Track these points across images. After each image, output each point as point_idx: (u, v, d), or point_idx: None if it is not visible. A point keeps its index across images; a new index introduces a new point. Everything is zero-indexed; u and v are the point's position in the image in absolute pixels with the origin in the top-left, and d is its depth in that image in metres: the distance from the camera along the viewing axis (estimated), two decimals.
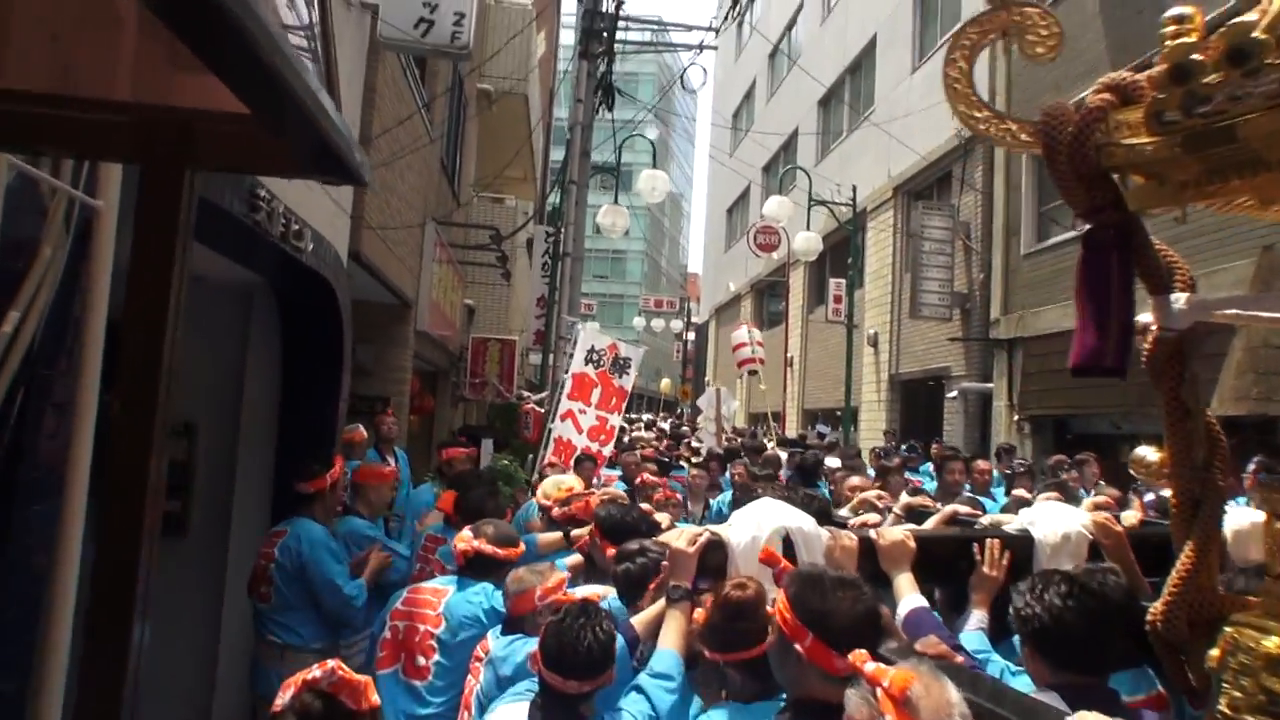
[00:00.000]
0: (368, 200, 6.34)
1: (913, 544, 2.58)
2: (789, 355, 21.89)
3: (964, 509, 3.91)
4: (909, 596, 2.48)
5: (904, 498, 4.93)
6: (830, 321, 17.52)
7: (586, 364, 9.34)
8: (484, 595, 3.24)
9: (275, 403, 5.15)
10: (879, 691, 1.46)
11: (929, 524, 3.61)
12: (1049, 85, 10.30)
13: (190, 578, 5.00)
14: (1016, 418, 11.42)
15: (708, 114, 42.34)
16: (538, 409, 12.37)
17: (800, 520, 2.54)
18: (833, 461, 10.75)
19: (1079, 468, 8.61)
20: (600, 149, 14.08)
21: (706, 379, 36.98)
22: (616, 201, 15.15)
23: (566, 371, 9.37)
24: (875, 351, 16.94)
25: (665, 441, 13.72)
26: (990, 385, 12.39)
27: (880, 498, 4.77)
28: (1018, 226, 11.77)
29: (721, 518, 6.15)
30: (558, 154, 18.42)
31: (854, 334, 16.78)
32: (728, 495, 7.87)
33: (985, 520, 3.32)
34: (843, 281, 17.12)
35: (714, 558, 2.51)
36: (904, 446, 12.72)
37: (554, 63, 20.53)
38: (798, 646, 1.85)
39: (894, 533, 2.63)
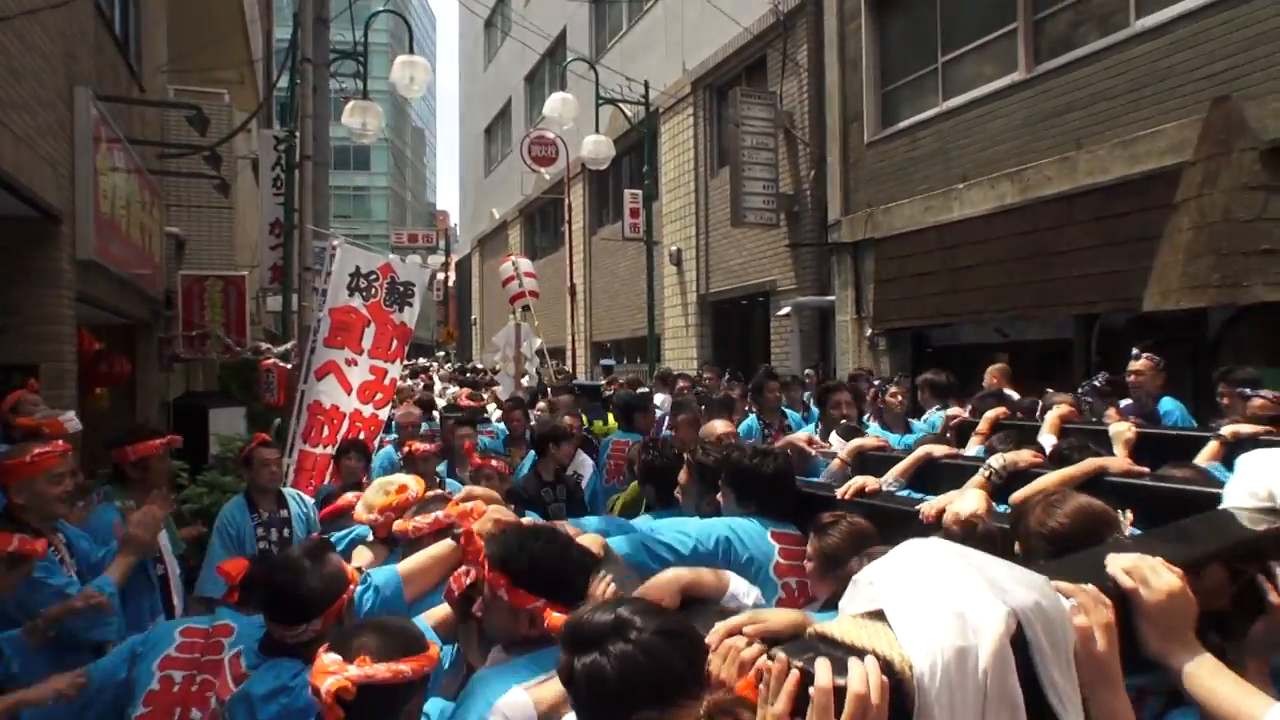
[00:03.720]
0: None
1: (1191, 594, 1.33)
2: (572, 283, 19.66)
3: (939, 449, 3.22)
4: (1247, 699, 1.25)
5: (836, 440, 3.99)
6: (628, 239, 15.44)
7: (351, 294, 6.58)
8: None
9: None
10: None
11: (892, 474, 3.10)
12: None
13: None
14: (870, 332, 9.92)
15: (453, 25, 38.58)
16: (281, 364, 9.34)
17: (1029, 588, 1.16)
18: (658, 398, 8.79)
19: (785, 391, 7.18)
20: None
21: (473, 317, 34.09)
22: (365, 95, 12.13)
23: (321, 308, 6.56)
24: (679, 271, 15.10)
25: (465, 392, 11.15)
26: (830, 298, 10.84)
27: (811, 441, 3.92)
28: (858, 111, 10.12)
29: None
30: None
31: (653, 251, 14.83)
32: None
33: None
34: (638, 193, 15.02)
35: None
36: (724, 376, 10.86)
37: None
38: None
39: (1164, 577, 1.32)
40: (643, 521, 2.91)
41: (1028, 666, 1.11)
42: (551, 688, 1.72)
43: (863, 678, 1.03)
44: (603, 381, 10.74)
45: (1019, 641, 1.10)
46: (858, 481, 2.88)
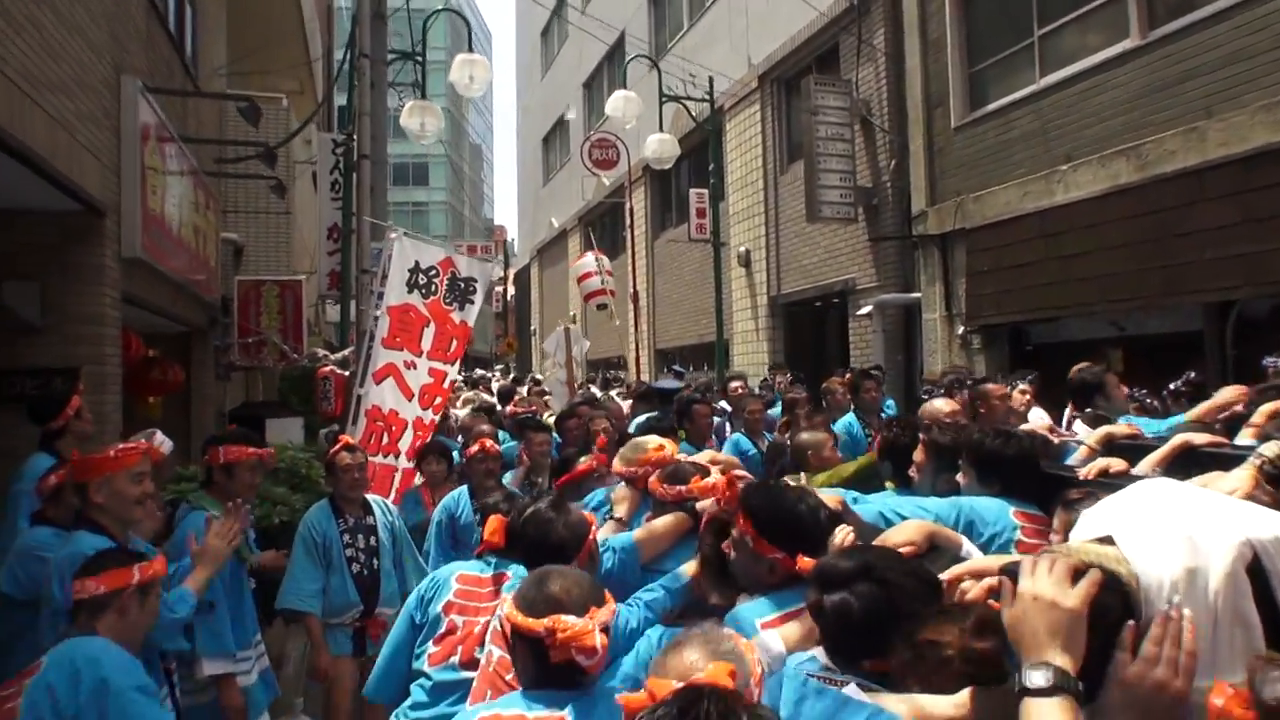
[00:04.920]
0: None
1: None
2: (635, 289, 19.15)
3: (1200, 438, 2.93)
4: None
5: (1081, 428, 3.93)
6: (694, 240, 14.85)
7: (410, 291, 6.14)
8: None
9: None
10: None
11: (1147, 463, 2.80)
12: None
13: None
14: (962, 330, 9.17)
15: (509, 41, 38.65)
16: (339, 372, 8.97)
17: (1268, 523, 1.23)
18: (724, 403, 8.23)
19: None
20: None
21: (532, 328, 33.82)
22: (423, 96, 11.84)
23: (379, 308, 6.13)
24: (748, 273, 14.47)
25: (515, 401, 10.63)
26: (915, 295, 10.11)
27: (1053, 430, 3.86)
28: (943, 95, 9.41)
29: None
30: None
31: (720, 253, 14.22)
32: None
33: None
34: (704, 192, 14.43)
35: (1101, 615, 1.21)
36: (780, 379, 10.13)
37: None
38: None
39: None
40: (881, 495, 3.08)
41: (1267, 594, 1.14)
42: (797, 626, 1.94)
43: (1072, 568, 1.20)
44: (680, 385, 10.19)
45: (1256, 570, 1.15)
46: (1102, 462, 2.83)
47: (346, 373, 8.64)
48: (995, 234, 8.62)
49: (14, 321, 5.14)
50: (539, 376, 19.35)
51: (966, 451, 2.92)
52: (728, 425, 7.58)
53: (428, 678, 2.76)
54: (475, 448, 5.00)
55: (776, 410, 7.47)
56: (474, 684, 2.42)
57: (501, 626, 2.32)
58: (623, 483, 3.26)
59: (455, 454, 6.41)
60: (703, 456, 3.39)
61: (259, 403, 11.32)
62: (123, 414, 6.06)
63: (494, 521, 2.95)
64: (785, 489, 2.30)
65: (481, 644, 2.69)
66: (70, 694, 2.17)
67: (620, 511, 3.03)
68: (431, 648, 2.79)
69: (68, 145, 4.83)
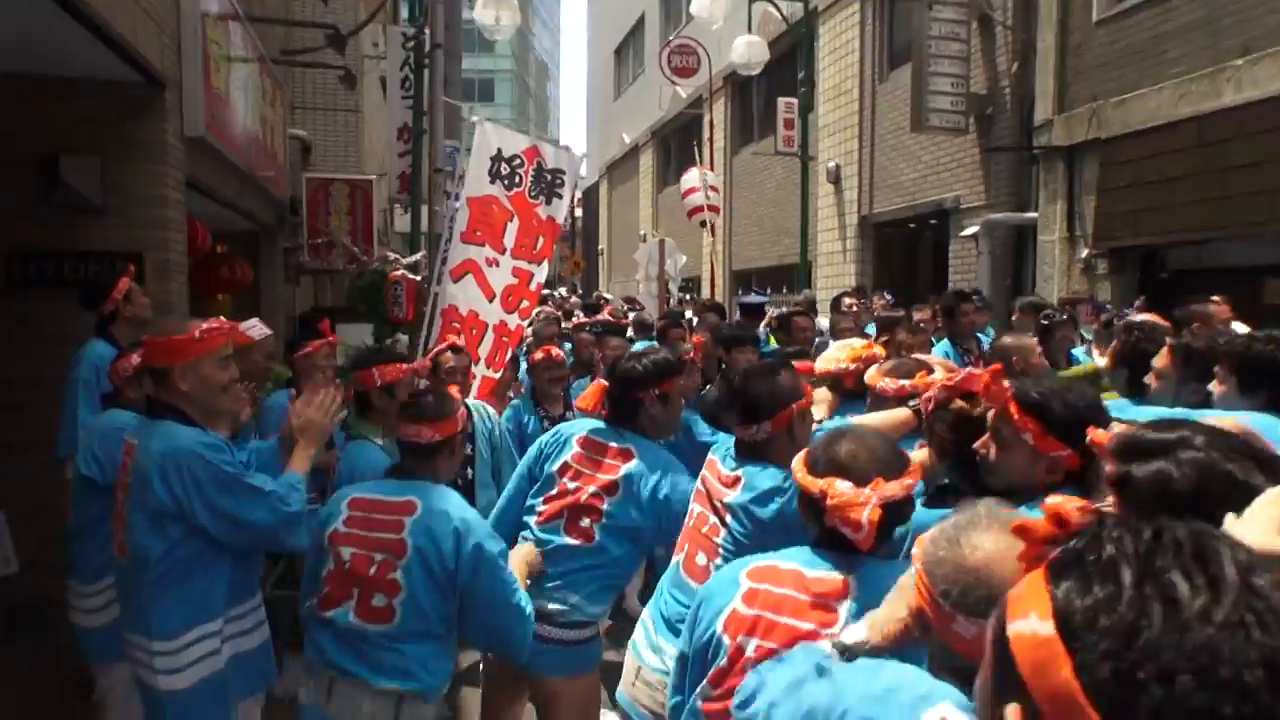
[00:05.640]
0: None
1: None
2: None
3: None
4: None
5: None
6: (780, 153, 13.94)
7: (493, 182, 5.55)
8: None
9: None
10: None
11: None
12: None
13: None
14: (1086, 253, 8.30)
15: None
16: (411, 277, 8.51)
17: None
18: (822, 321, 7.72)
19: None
20: None
21: (600, 247, 33.17)
22: None
23: (459, 198, 5.59)
24: (837, 189, 13.57)
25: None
26: (1031, 215, 9.21)
27: None
28: None
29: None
30: None
31: (808, 168, 13.35)
32: None
33: None
34: (794, 102, 13.48)
35: None
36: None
37: None
38: None
39: None
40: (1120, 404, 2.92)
41: None
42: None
43: None
44: (765, 299, 9.65)
45: None
46: None
47: (418, 278, 8.19)
48: (1139, 144, 7.67)
49: (73, 199, 4.70)
50: (607, 295, 18.89)
51: (1227, 357, 2.66)
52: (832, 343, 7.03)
53: (532, 532, 2.82)
54: (540, 354, 4.91)
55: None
56: (679, 539, 2.49)
57: (702, 486, 2.46)
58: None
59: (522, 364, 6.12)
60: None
61: (327, 307, 11.00)
62: (190, 310, 5.66)
63: (594, 386, 2.98)
64: (1064, 382, 2.07)
65: (586, 513, 2.72)
66: (454, 551, 2.34)
67: (820, 413, 2.90)
68: (541, 505, 2.83)
69: (125, 6, 4.29)
